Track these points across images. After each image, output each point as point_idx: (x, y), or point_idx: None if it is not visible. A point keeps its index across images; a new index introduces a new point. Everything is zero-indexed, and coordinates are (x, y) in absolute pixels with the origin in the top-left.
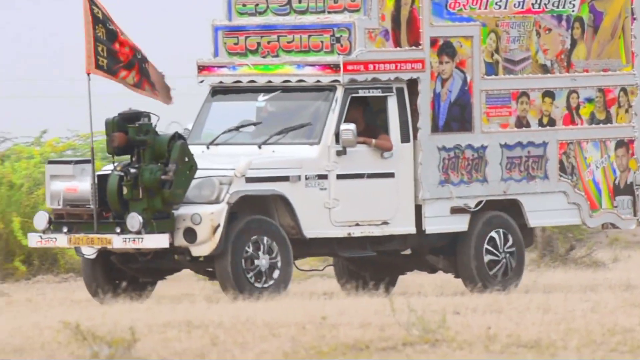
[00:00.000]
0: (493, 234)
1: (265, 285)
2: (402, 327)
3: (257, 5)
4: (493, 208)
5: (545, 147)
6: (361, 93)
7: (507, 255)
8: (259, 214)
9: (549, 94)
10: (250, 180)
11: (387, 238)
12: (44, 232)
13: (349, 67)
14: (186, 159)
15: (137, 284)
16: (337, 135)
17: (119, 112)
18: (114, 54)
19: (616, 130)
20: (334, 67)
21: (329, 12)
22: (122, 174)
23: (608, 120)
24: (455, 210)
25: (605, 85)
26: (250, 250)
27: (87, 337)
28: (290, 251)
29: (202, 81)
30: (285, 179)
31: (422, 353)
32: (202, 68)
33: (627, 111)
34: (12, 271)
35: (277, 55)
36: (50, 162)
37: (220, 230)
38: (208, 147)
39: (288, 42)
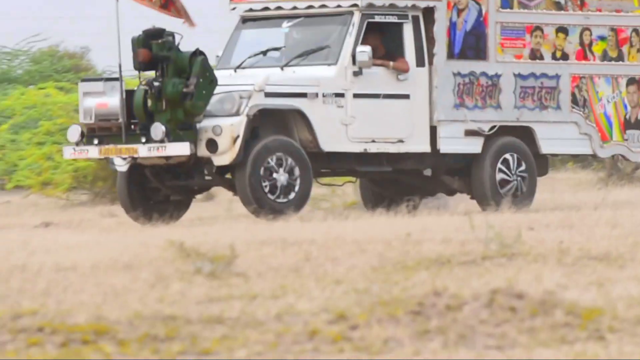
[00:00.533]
0: (507, 156)
1: (284, 200)
2: (481, 243)
3: None
4: (507, 134)
5: (558, 79)
6: (377, 19)
7: (519, 178)
8: (279, 130)
9: (562, 29)
10: (268, 95)
11: (403, 156)
12: (77, 144)
13: None
14: (207, 74)
15: (170, 204)
16: (354, 57)
17: (143, 30)
18: None
19: (628, 68)
20: None
21: None
22: (147, 88)
23: (620, 58)
24: (469, 133)
25: (618, 25)
26: (271, 164)
27: (191, 254)
28: (309, 169)
29: (234, 8)
30: (303, 95)
31: (499, 266)
32: None
33: (638, 51)
34: None
35: None
36: (83, 80)
37: (239, 140)
38: (235, 71)
39: None
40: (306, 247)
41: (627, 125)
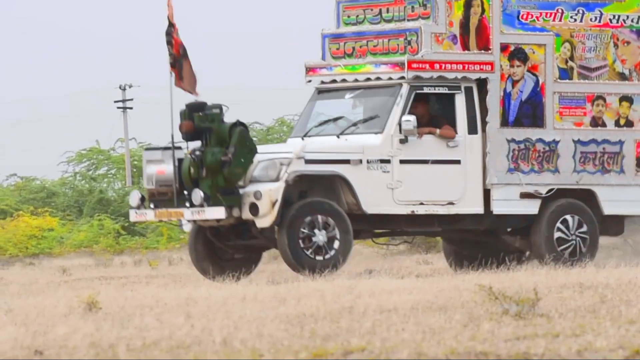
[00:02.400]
0: (566, 217)
1: (324, 257)
2: None
3: (357, 16)
4: (567, 196)
5: (622, 145)
6: (425, 90)
7: (578, 238)
8: (326, 194)
9: (627, 98)
10: (309, 162)
11: (455, 218)
12: (137, 208)
13: (414, 65)
14: (246, 143)
15: (240, 262)
16: (400, 126)
17: (186, 103)
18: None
19: None
20: (401, 65)
21: (408, 20)
22: (193, 157)
23: None
24: (525, 195)
25: None
26: (307, 227)
27: (499, 297)
28: (347, 223)
29: (309, 81)
30: (346, 162)
31: None
32: (308, 69)
33: None
34: None
35: (366, 57)
36: (146, 149)
37: (277, 205)
38: (303, 138)
39: (374, 46)
40: (601, 291)
41: None
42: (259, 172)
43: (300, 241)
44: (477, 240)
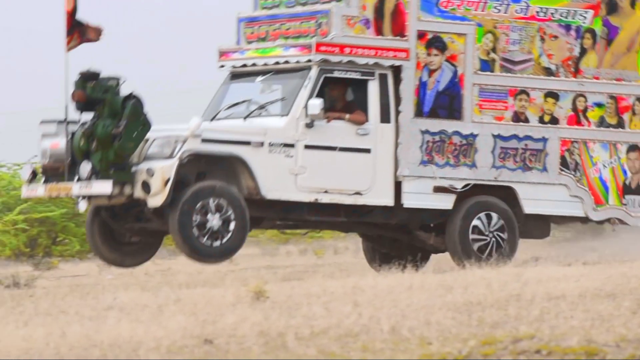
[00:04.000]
0: (482, 215)
1: (219, 242)
2: None
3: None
4: (485, 193)
5: (545, 142)
6: (336, 74)
7: (495, 237)
8: (226, 178)
9: (552, 94)
10: (206, 141)
11: (363, 209)
12: (29, 183)
13: (322, 48)
14: (140, 117)
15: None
16: (306, 109)
17: (80, 72)
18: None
19: (629, 135)
20: (308, 48)
21: (321, 3)
22: (83, 128)
23: (620, 125)
24: (438, 189)
25: (618, 92)
26: (204, 207)
27: None
28: (243, 208)
29: (222, 66)
30: (246, 143)
31: None
32: (221, 54)
33: None
34: None
35: (276, 41)
36: (41, 122)
37: (170, 183)
38: (210, 122)
39: (286, 29)
40: None
41: (627, 190)
42: (153, 149)
43: (194, 229)
44: (392, 237)
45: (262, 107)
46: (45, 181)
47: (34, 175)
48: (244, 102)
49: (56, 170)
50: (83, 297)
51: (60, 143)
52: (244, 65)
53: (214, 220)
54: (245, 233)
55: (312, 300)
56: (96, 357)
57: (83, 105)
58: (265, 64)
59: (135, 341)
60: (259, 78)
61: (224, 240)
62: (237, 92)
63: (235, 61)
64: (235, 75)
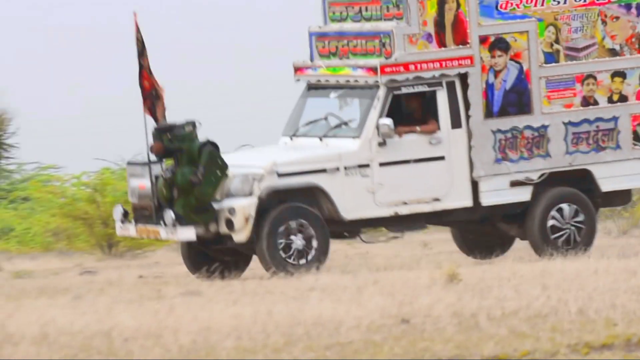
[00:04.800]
0: (561, 205)
1: (302, 262)
2: None
3: (341, 13)
4: (561, 180)
5: (616, 120)
6: (404, 90)
7: (573, 227)
8: (305, 202)
9: (619, 74)
10: (283, 175)
11: (447, 212)
12: (122, 222)
13: (387, 70)
14: (216, 162)
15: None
16: (378, 129)
17: (155, 126)
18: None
19: None
20: (374, 70)
21: (384, 20)
22: (164, 177)
23: None
24: (515, 184)
25: None
26: (284, 232)
27: None
28: (325, 229)
29: (298, 80)
30: (322, 171)
31: None
32: (296, 69)
33: None
34: None
35: (347, 57)
36: (128, 163)
37: (251, 220)
38: (291, 138)
39: (354, 47)
40: None
41: None
42: (235, 185)
43: (281, 252)
44: (476, 228)
45: (337, 126)
46: (136, 221)
47: (125, 214)
48: (320, 119)
49: (144, 211)
50: (287, 278)
51: (146, 185)
52: (318, 81)
53: (298, 241)
54: (327, 247)
55: (503, 282)
56: (300, 335)
57: (163, 155)
58: (337, 81)
59: (337, 320)
60: (333, 94)
61: (309, 257)
62: (315, 105)
63: (310, 77)
64: (312, 87)
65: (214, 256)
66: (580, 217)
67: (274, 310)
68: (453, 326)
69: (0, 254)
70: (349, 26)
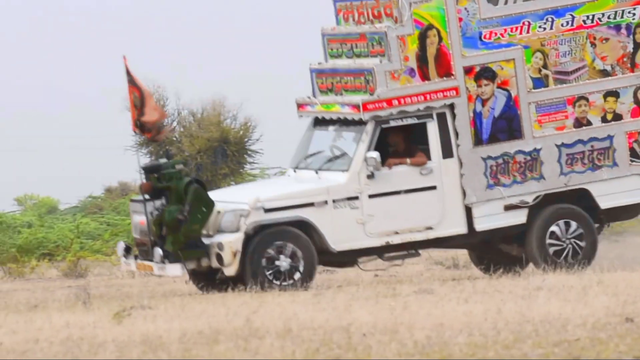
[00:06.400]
0: (559, 222)
1: (284, 283)
2: None
3: (337, 49)
4: (558, 200)
5: (612, 139)
6: (392, 123)
7: (572, 243)
8: (299, 233)
9: (612, 93)
10: (269, 210)
11: (436, 241)
12: (125, 257)
13: (369, 106)
14: (201, 199)
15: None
16: (366, 162)
17: (141, 166)
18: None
19: None
20: (357, 107)
21: (370, 57)
22: (153, 215)
23: None
24: (509, 207)
25: None
26: (272, 253)
27: None
28: (312, 253)
29: (301, 116)
30: (310, 204)
31: None
32: (298, 105)
33: None
34: None
35: (341, 94)
36: (131, 200)
37: (238, 254)
38: (295, 171)
39: (345, 83)
40: None
41: None
42: (224, 221)
43: (263, 260)
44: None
45: (330, 160)
46: (136, 257)
47: (127, 249)
48: (318, 153)
49: (143, 246)
50: (514, 278)
51: (145, 221)
52: (317, 118)
53: (284, 263)
54: (312, 274)
55: None
56: (529, 332)
57: (152, 194)
58: (332, 118)
59: (564, 318)
60: (331, 128)
61: (284, 284)
62: (319, 138)
63: (310, 113)
64: (317, 122)
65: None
66: (579, 232)
67: (504, 308)
68: None
69: None
70: (341, 63)
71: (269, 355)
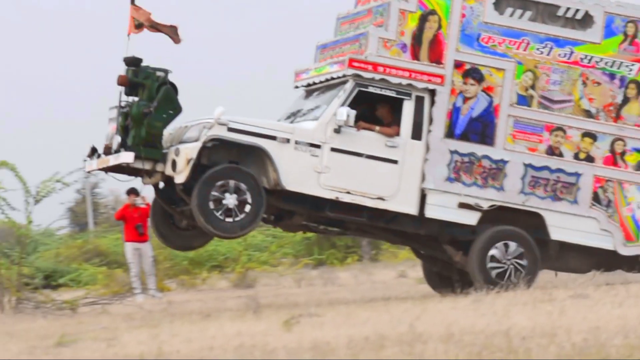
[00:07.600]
0: (505, 242)
1: (234, 220)
2: None
3: (347, 30)
4: (511, 217)
5: (579, 177)
6: (371, 89)
7: (512, 265)
8: (255, 167)
9: (590, 135)
10: (233, 130)
11: (391, 215)
12: (90, 158)
13: (354, 64)
14: (171, 101)
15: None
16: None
17: (123, 57)
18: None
19: None
20: (343, 64)
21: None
22: (122, 108)
23: None
24: (463, 206)
25: None
26: (217, 190)
27: None
28: (260, 189)
29: (296, 86)
30: (272, 137)
31: None
32: (295, 75)
33: None
34: None
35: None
36: (109, 108)
37: (192, 162)
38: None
39: (342, 52)
40: None
41: None
42: (188, 134)
43: (210, 202)
44: (443, 259)
45: (306, 113)
46: (99, 156)
47: (93, 151)
48: (297, 111)
49: (110, 149)
50: None
51: (116, 127)
52: (308, 84)
53: (231, 199)
54: (258, 217)
55: None
56: None
57: (128, 89)
58: (320, 81)
59: None
60: (315, 92)
61: (239, 218)
62: (300, 104)
63: (303, 81)
64: (307, 92)
65: (177, 222)
66: (524, 261)
67: None
68: None
69: (405, 262)
70: (342, 36)
71: (434, 358)
